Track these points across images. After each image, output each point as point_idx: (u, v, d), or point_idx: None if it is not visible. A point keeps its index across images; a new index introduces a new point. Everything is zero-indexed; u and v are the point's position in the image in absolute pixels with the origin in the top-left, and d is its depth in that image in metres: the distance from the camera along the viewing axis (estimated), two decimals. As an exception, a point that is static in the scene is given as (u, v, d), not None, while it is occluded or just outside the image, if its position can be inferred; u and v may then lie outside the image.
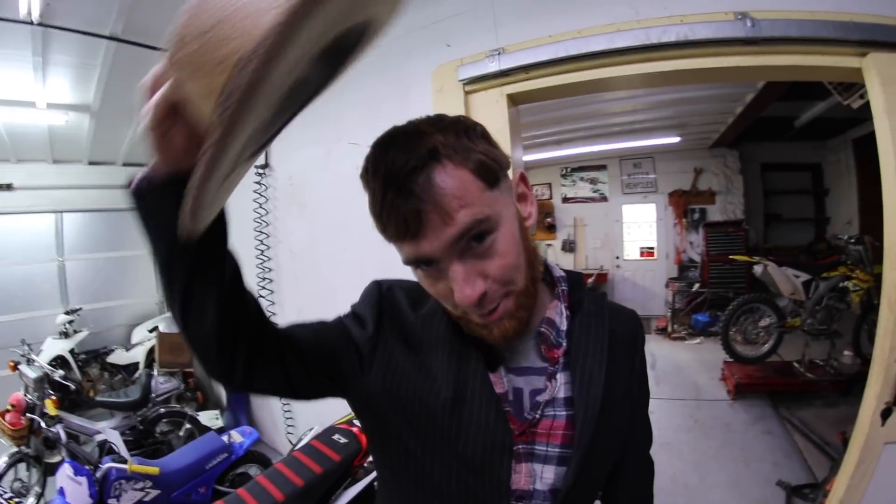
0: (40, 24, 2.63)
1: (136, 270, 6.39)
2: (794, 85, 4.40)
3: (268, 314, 0.72)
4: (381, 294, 0.86)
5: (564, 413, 0.77)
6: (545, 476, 0.76)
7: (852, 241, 4.52)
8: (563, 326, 0.81)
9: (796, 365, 4.58)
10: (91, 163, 5.67)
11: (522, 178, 0.80)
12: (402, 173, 0.62)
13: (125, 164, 5.88)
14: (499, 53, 2.11)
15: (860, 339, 4.45)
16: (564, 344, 0.80)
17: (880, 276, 4.37)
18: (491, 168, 0.69)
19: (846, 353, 4.47)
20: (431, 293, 0.73)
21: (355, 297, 0.89)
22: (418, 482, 0.78)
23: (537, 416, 0.76)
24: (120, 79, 3.54)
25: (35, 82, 3.49)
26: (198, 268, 0.60)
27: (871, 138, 5.74)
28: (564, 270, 0.89)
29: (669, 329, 6.86)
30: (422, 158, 0.63)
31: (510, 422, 0.76)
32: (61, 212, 5.85)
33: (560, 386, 0.78)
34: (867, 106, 3.62)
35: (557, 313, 0.82)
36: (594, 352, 0.80)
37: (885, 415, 1.68)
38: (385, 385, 0.79)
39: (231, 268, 0.65)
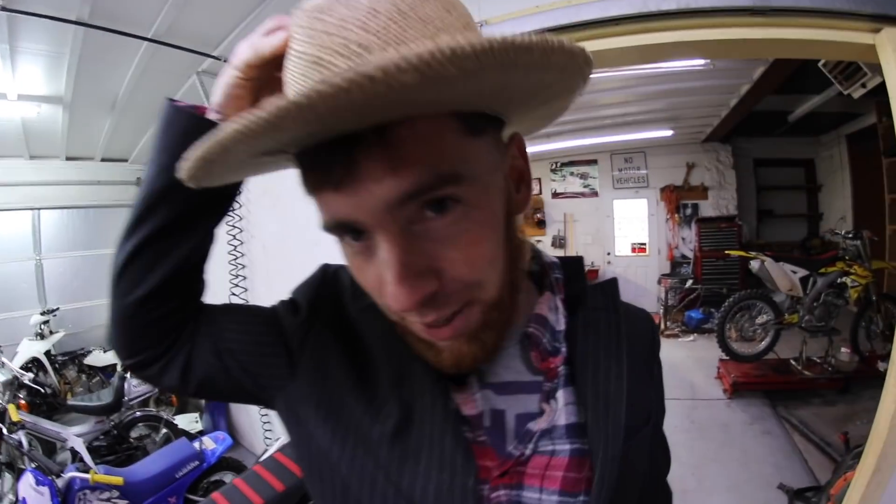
0: (4, 9, 2.50)
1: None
2: (790, 77, 4.35)
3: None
4: (324, 277, 0.68)
5: (568, 447, 0.55)
6: None
7: (850, 235, 4.47)
8: (561, 326, 0.59)
9: (793, 362, 4.52)
10: (69, 158, 5.55)
11: (520, 146, 0.56)
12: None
13: (104, 160, 5.77)
14: (481, 26, 1.95)
15: (858, 336, 4.41)
16: (564, 350, 0.58)
17: (879, 272, 4.32)
18: (483, 113, 0.46)
19: (844, 350, 4.42)
20: (359, 281, 0.50)
21: None
22: None
23: (527, 450, 0.54)
24: (90, 68, 3.42)
25: (4, 72, 3.38)
26: (187, 213, 0.57)
27: (864, 133, 5.77)
28: (559, 257, 0.68)
29: (662, 326, 6.80)
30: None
31: (486, 457, 0.54)
32: (38, 209, 5.77)
33: (561, 409, 0.56)
34: (864, 98, 3.57)
35: (550, 308, 0.60)
36: (609, 360, 0.59)
37: (905, 422, 1.52)
38: (313, 394, 0.60)
39: (208, 243, 0.62)
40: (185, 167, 0.40)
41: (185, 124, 0.56)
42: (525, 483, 0.54)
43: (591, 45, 1.79)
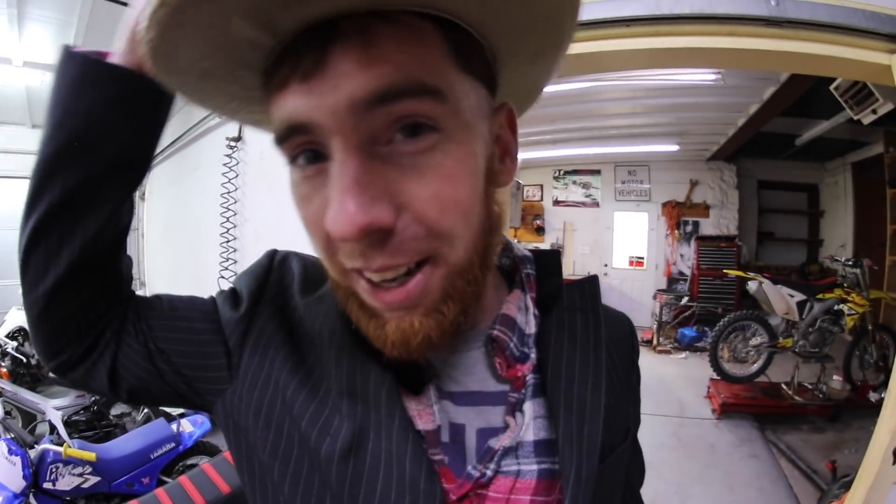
0: None
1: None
2: (800, 100, 4.34)
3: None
4: (270, 265, 0.59)
5: (535, 467, 0.48)
6: None
7: (850, 263, 4.44)
8: (531, 329, 0.52)
9: (784, 387, 4.49)
10: None
11: (510, 118, 0.49)
12: None
13: (106, 132, 5.77)
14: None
15: (851, 364, 4.38)
16: (534, 356, 0.51)
17: (876, 302, 4.29)
18: (475, 40, 0.40)
19: (836, 378, 4.41)
20: (301, 217, 0.43)
21: None
22: None
23: (489, 471, 0.47)
24: (97, 38, 3.33)
25: (11, 37, 3.36)
26: (90, 179, 0.48)
27: (869, 162, 5.79)
28: (531, 250, 0.59)
29: (655, 342, 6.77)
30: None
31: (443, 478, 0.46)
32: None
33: (528, 423, 0.49)
34: (872, 127, 3.55)
35: (519, 308, 0.52)
36: (585, 369, 0.51)
37: (898, 453, 1.49)
38: (252, 400, 0.52)
39: (122, 218, 0.52)
40: (145, 23, 0.32)
41: (83, 71, 0.48)
42: None
43: (601, 46, 1.75)
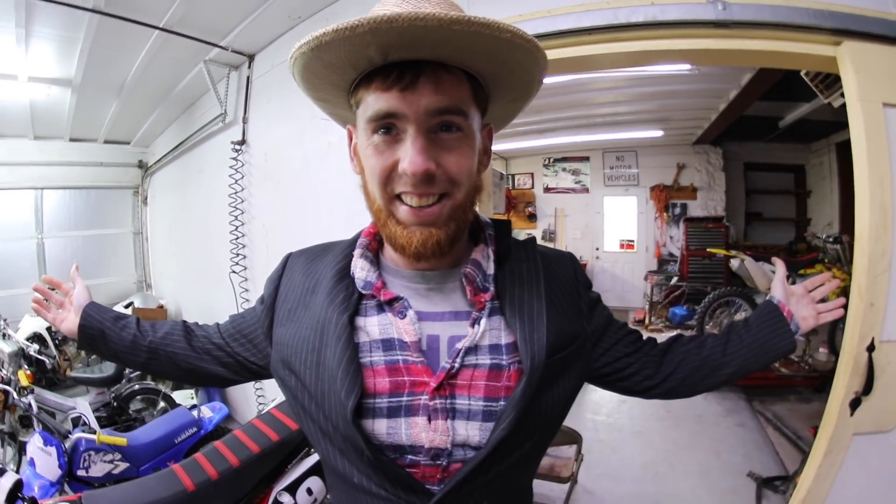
0: None
1: (115, 249, 6.40)
2: (779, 84, 4.41)
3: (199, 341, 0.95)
4: (283, 265, 0.90)
5: (488, 361, 0.72)
6: (470, 433, 0.69)
7: (830, 240, 4.60)
8: (490, 271, 0.78)
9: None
10: (72, 139, 5.61)
11: (489, 133, 0.81)
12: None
13: (106, 142, 5.84)
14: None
15: (835, 336, 4.51)
16: (492, 289, 0.76)
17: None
18: (483, 88, 0.73)
19: (821, 349, 4.56)
20: (370, 164, 0.70)
21: None
22: (325, 456, 0.77)
23: (456, 364, 0.70)
24: (102, 53, 3.49)
25: (18, 55, 3.43)
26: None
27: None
28: (492, 218, 0.88)
29: (647, 321, 6.94)
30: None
31: (424, 374, 0.71)
32: (41, 188, 5.81)
33: (484, 332, 0.72)
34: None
35: (483, 256, 0.78)
36: (532, 299, 0.76)
37: (854, 405, 1.66)
38: (281, 354, 0.81)
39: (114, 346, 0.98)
40: (296, 55, 0.66)
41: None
42: (456, 393, 0.70)
43: (567, 52, 1.95)
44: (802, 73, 3.54)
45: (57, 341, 5.22)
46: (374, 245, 0.82)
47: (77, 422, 3.20)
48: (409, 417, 0.70)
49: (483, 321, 0.73)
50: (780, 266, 1.07)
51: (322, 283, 0.80)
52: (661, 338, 0.97)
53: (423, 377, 0.70)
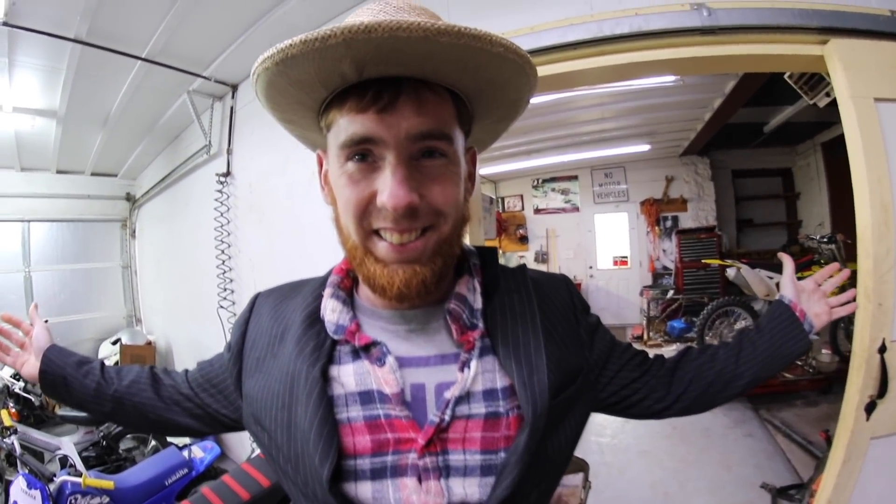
0: (6, 25, 2.55)
1: (103, 283, 6.31)
2: (762, 89, 4.45)
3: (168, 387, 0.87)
4: (251, 308, 0.82)
5: (483, 410, 0.63)
6: (468, 491, 0.61)
7: (825, 240, 4.58)
8: (478, 305, 0.69)
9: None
10: (59, 171, 5.58)
11: (473, 157, 0.75)
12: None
13: (93, 174, 5.81)
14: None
15: (837, 336, 4.50)
16: (481, 325, 0.68)
17: (855, 273, 4.41)
18: (467, 107, 0.67)
19: (824, 351, 4.50)
20: (344, 196, 0.62)
21: None
22: None
23: (446, 416, 0.62)
24: (85, 84, 3.47)
25: (2, 85, 3.41)
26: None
27: (838, 141, 5.85)
28: (476, 246, 0.80)
29: (645, 337, 6.88)
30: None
31: (410, 429, 0.62)
32: (28, 221, 5.75)
33: (476, 376, 0.64)
34: (833, 107, 3.70)
35: (469, 289, 0.70)
36: (527, 335, 0.68)
37: (870, 409, 1.60)
38: (251, 409, 0.74)
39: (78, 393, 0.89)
40: (302, 37, 0.54)
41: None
42: (449, 448, 0.62)
43: (552, 68, 1.92)
44: (786, 76, 3.58)
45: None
46: (347, 283, 0.74)
47: (64, 462, 3.09)
48: (397, 479, 0.62)
49: (473, 363, 0.65)
50: (787, 262, 1.03)
51: (291, 328, 0.72)
52: (663, 353, 0.92)
53: (409, 433, 0.62)
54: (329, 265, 0.79)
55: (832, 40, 1.70)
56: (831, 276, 0.98)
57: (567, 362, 0.71)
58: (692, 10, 1.76)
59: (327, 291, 0.72)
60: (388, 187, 0.57)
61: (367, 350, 0.66)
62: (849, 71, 1.67)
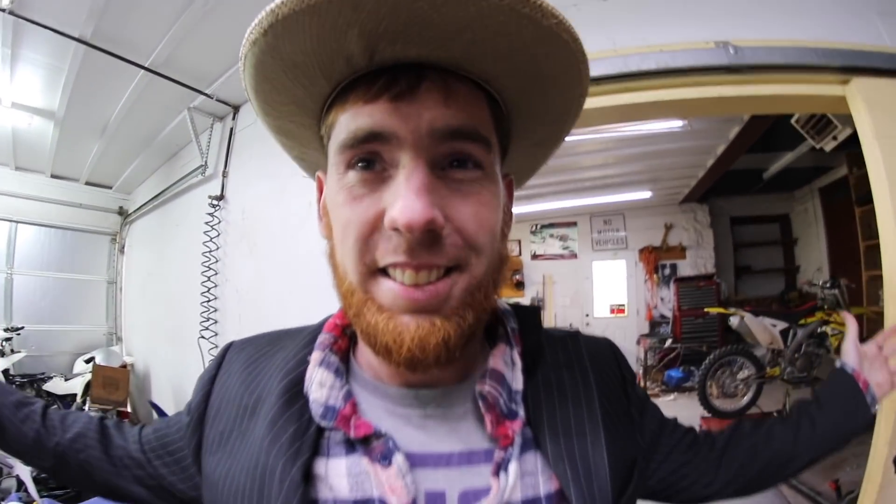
0: (11, 14, 2.49)
1: (87, 296, 6.13)
2: (764, 135, 4.50)
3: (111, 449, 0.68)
4: (219, 363, 0.64)
5: None
6: None
7: (828, 285, 4.52)
8: (518, 385, 0.53)
9: (777, 415, 4.43)
10: (54, 176, 5.47)
11: (510, 184, 0.59)
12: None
13: (88, 183, 5.70)
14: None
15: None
16: (522, 413, 0.51)
17: (859, 318, 4.32)
18: (504, 116, 0.52)
19: None
20: (342, 218, 0.47)
21: None
22: None
23: None
24: (86, 87, 3.39)
25: (2, 76, 3.33)
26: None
27: (836, 186, 5.92)
28: (511, 305, 0.62)
29: (642, 386, 6.68)
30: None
31: None
32: (17, 222, 5.60)
33: (515, 483, 0.47)
34: (834, 152, 3.71)
35: (506, 363, 0.53)
36: (581, 424, 0.52)
37: (900, 462, 1.48)
38: (212, 496, 0.56)
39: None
40: (246, 49, 0.44)
41: None
42: None
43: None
44: (793, 121, 3.59)
45: (14, 386, 4.81)
46: (343, 344, 0.57)
47: (21, 485, 2.88)
48: None
49: (513, 466, 0.48)
50: (850, 323, 0.90)
51: (265, 401, 0.54)
52: (660, 403, 0.79)
53: None
54: (323, 311, 0.63)
55: (854, 80, 1.66)
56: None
57: (624, 454, 0.56)
58: (717, 48, 1.71)
59: (315, 356, 0.55)
60: (400, 198, 0.42)
61: (367, 442, 0.48)
62: (873, 111, 1.62)
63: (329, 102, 0.49)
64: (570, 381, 0.56)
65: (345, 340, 0.58)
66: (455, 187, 0.45)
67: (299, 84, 0.47)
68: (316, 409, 0.51)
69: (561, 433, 0.51)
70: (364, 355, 0.55)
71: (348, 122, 0.46)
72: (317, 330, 0.59)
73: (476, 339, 0.53)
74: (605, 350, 0.66)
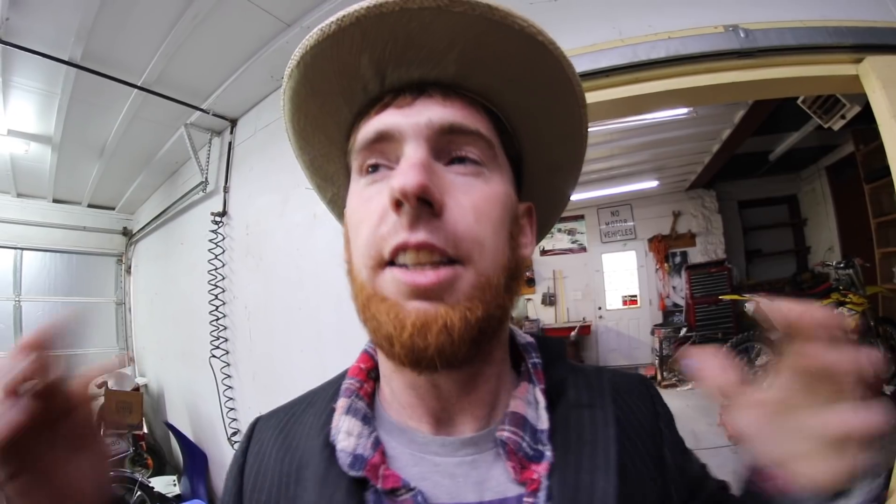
0: (0, 41, 2.48)
1: (96, 318, 6.10)
2: (769, 117, 4.43)
3: None
4: (249, 435, 0.60)
5: None
6: None
7: (842, 266, 4.46)
8: (543, 425, 0.50)
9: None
10: (56, 200, 5.47)
11: (530, 211, 0.58)
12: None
13: (90, 206, 5.71)
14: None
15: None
16: (549, 454, 0.48)
17: (874, 297, 4.27)
18: (510, 133, 0.54)
19: None
20: (355, 222, 0.49)
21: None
22: None
23: None
24: (81, 110, 3.38)
25: None
26: None
27: (843, 163, 5.83)
28: (535, 336, 0.61)
29: (659, 377, 6.64)
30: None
31: None
32: (21, 249, 5.60)
33: None
34: (840, 130, 3.64)
35: (528, 403, 0.52)
36: (594, 474, 0.48)
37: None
38: None
39: None
40: (311, 42, 0.47)
41: None
42: None
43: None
44: (799, 101, 3.52)
45: None
46: (369, 387, 0.55)
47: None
48: None
49: None
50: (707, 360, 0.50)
51: (308, 463, 0.50)
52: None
53: None
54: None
55: (867, 58, 1.62)
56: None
57: (646, 497, 0.51)
58: (727, 32, 1.66)
59: (340, 403, 0.53)
60: (398, 173, 0.44)
61: (395, 494, 0.46)
62: (888, 88, 1.57)
63: (350, 129, 0.53)
64: (589, 422, 0.52)
65: (370, 384, 0.56)
66: (457, 181, 0.47)
67: (326, 112, 0.53)
68: (344, 459, 0.48)
69: (572, 476, 0.47)
70: (386, 396, 0.54)
71: (362, 133, 0.50)
72: (341, 377, 0.58)
73: (497, 360, 0.53)
74: (636, 386, 0.61)
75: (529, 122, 0.54)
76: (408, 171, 0.43)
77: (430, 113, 0.47)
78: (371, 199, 0.47)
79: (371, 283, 0.46)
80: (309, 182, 0.63)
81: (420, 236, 0.43)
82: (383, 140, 0.48)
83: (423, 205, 0.43)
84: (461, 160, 0.48)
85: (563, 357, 0.58)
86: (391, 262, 0.44)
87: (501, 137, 0.52)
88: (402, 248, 0.43)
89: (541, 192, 0.61)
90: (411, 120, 0.47)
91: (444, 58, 0.47)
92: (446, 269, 0.43)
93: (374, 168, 0.49)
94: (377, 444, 0.49)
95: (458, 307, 0.43)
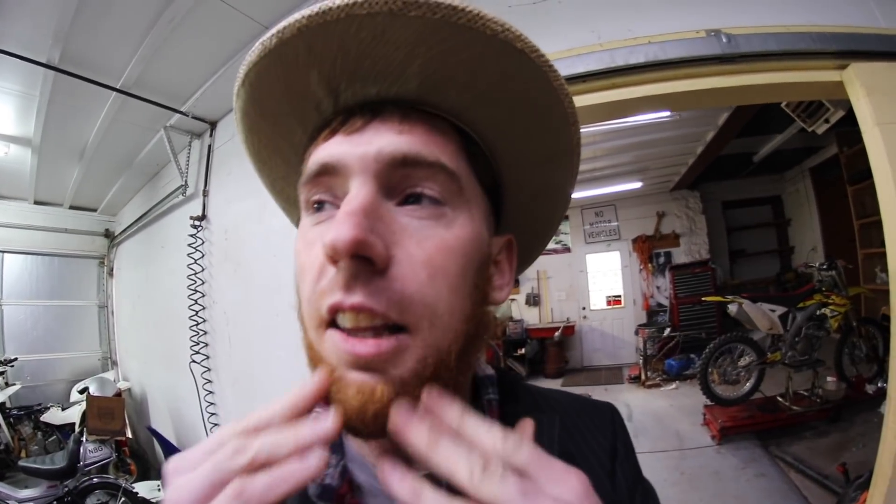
0: None
1: (80, 322, 6.06)
2: (753, 119, 4.46)
3: None
4: None
5: None
6: None
7: (824, 266, 4.49)
8: None
9: (780, 399, 4.42)
10: (37, 202, 5.37)
11: (510, 246, 0.53)
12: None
13: (72, 207, 5.61)
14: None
15: (842, 363, 4.37)
16: None
17: (856, 298, 4.33)
18: (485, 155, 0.48)
19: (830, 379, 4.34)
20: (298, 264, 0.44)
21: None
22: None
23: None
24: (60, 112, 3.33)
25: None
26: None
27: (826, 165, 5.91)
28: (495, 368, 0.57)
29: (643, 377, 6.64)
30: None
31: None
32: (2, 251, 5.53)
33: None
34: (828, 132, 3.68)
35: None
36: None
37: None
38: None
39: None
40: (253, 58, 0.42)
41: None
42: None
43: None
44: (783, 105, 3.55)
45: (10, 419, 4.76)
46: None
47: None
48: None
49: None
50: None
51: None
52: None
53: None
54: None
55: (852, 64, 1.61)
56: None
57: None
58: (708, 37, 1.65)
59: None
60: (334, 221, 0.38)
61: None
62: (873, 96, 1.57)
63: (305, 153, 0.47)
64: None
65: None
66: (411, 225, 0.41)
67: (279, 134, 0.48)
68: (313, 490, 0.46)
69: None
70: None
71: (309, 163, 0.44)
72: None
73: (470, 373, 0.51)
74: (602, 415, 0.60)
75: (508, 143, 0.48)
76: (343, 222, 0.37)
77: (381, 141, 0.41)
78: (313, 243, 0.42)
79: (317, 342, 0.42)
80: (278, 205, 0.60)
81: (356, 299, 0.37)
82: (327, 174, 0.42)
83: (361, 261, 0.37)
84: (417, 199, 0.41)
85: (518, 391, 0.56)
86: (333, 322, 0.40)
87: (473, 163, 0.46)
88: (337, 309, 0.39)
89: (525, 220, 0.56)
90: (359, 150, 0.41)
91: (404, 72, 0.41)
92: (388, 339, 0.38)
93: (320, 205, 0.44)
94: (344, 474, 0.47)
95: (404, 384, 0.38)
